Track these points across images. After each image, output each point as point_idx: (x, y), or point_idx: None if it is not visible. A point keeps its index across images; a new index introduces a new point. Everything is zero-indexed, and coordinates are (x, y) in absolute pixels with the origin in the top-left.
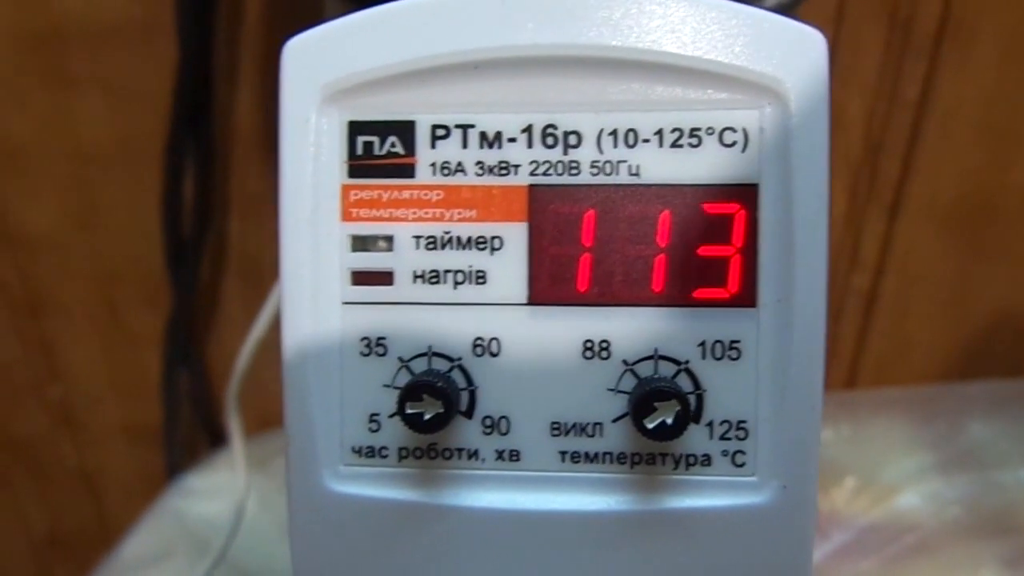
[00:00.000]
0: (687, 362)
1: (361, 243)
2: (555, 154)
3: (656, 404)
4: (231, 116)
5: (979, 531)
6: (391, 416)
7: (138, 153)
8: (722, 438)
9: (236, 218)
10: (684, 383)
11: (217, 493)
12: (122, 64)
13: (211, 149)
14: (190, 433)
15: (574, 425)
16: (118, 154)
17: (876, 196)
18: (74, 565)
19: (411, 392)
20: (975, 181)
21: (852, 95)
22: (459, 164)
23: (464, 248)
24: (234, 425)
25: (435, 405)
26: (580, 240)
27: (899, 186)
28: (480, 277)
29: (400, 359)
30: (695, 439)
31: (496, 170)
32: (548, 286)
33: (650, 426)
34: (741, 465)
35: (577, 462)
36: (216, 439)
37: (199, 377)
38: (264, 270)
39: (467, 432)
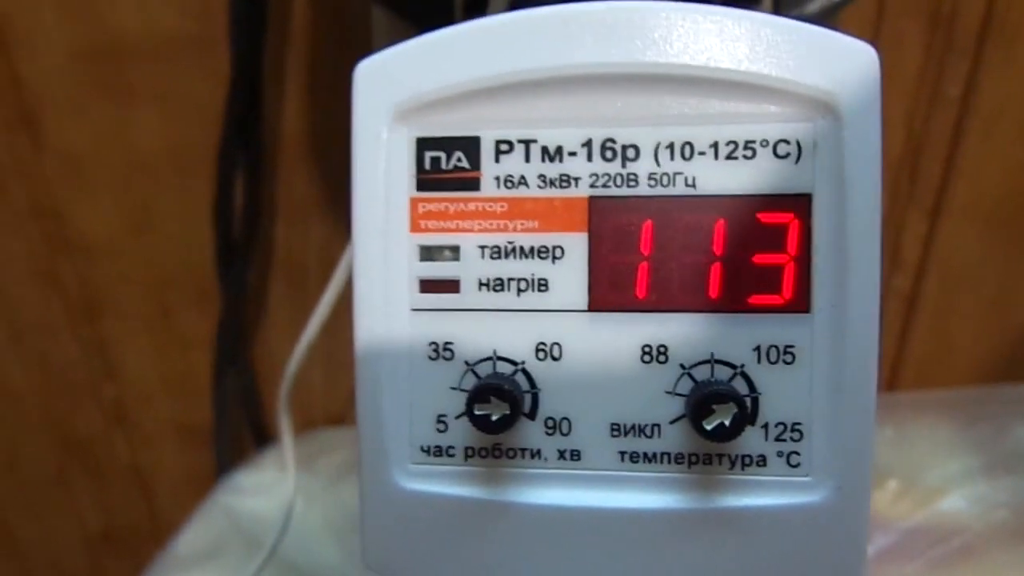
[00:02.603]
0: (742, 366)
1: (429, 253)
2: (614, 167)
3: (714, 406)
4: (279, 126)
5: None
6: (458, 417)
7: (191, 162)
8: (777, 439)
9: (283, 224)
10: (740, 386)
11: (265, 491)
12: (176, 77)
13: (260, 157)
14: (236, 432)
15: (633, 426)
16: (172, 163)
17: (917, 197)
18: (126, 561)
19: (479, 394)
20: (1019, 181)
21: (893, 95)
22: (522, 177)
23: (527, 257)
24: (284, 425)
25: (501, 407)
26: (639, 249)
27: (941, 186)
28: (542, 285)
29: (466, 363)
30: (751, 440)
31: (557, 183)
32: (607, 293)
33: (708, 427)
34: (796, 466)
35: (636, 462)
36: (262, 438)
37: (247, 378)
38: (309, 274)
39: (530, 432)
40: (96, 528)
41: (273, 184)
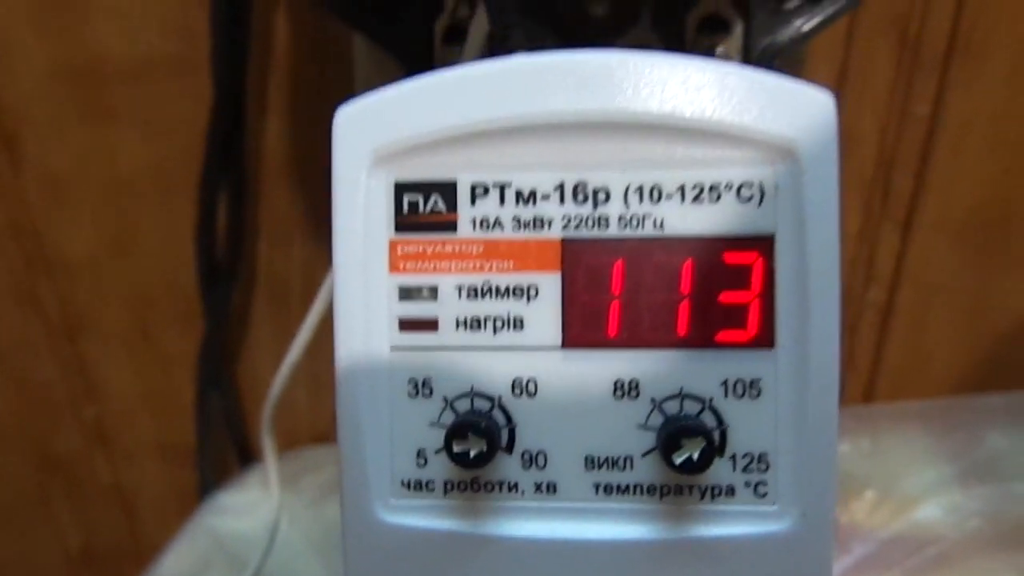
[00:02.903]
0: (711, 400)
1: (407, 293)
2: (585, 209)
3: (683, 441)
4: (262, 147)
5: (1000, 542)
6: (437, 452)
7: (173, 182)
8: (745, 470)
9: (266, 244)
10: (708, 420)
11: (249, 511)
12: (158, 98)
13: (243, 178)
14: (219, 451)
15: (607, 459)
16: (154, 183)
17: (890, 211)
18: None
19: (457, 431)
20: (988, 194)
21: (864, 112)
22: (497, 220)
23: (503, 297)
24: (268, 445)
25: (479, 443)
26: (610, 288)
27: (912, 200)
28: (518, 323)
29: (445, 399)
30: (720, 471)
31: (531, 225)
32: (580, 331)
33: (678, 461)
34: (763, 495)
35: (610, 494)
36: (246, 457)
37: (230, 397)
38: (292, 293)
39: (508, 466)
40: (77, 548)
41: (256, 204)
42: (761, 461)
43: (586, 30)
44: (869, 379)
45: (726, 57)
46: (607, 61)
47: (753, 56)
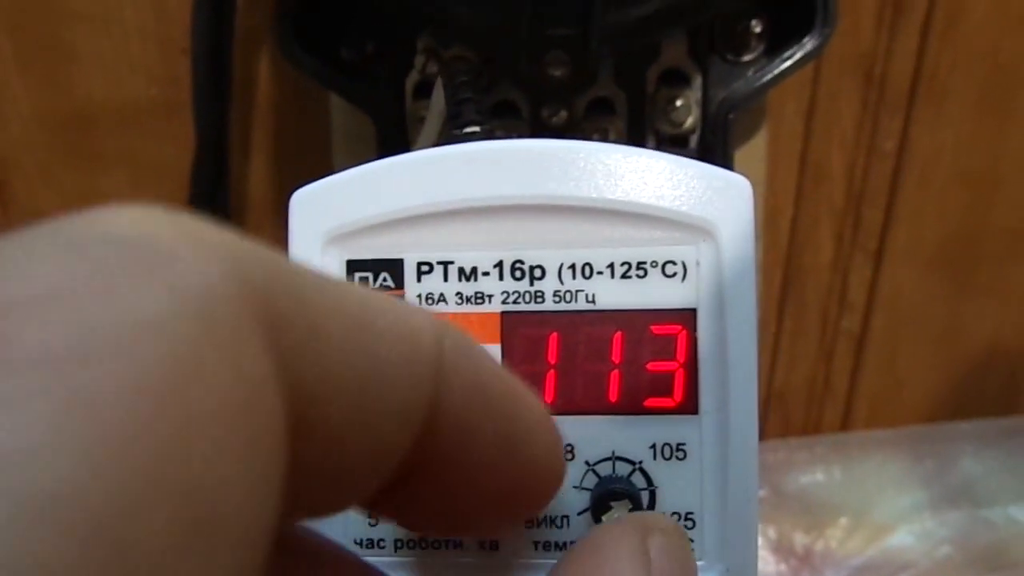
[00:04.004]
0: (641, 462)
1: None
2: (523, 285)
3: (611, 503)
4: (245, 188)
5: (970, 568)
6: None
7: None
8: None
9: None
10: (639, 480)
11: None
12: (143, 142)
13: (227, 218)
14: None
15: (545, 518)
16: None
17: (861, 242)
18: None
19: None
20: (956, 225)
21: (833, 148)
22: (441, 295)
23: None
24: None
25: None
26: (546, 359)
27: (883, 232)
28: None
29: None
30: None
31: (473, 299)
32: None
33: (606, 522)
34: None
35: (549, 550)
36: None
37: None
38: None
39: None
40: None
41: None
42: (688, 519)
43: (547, 89)
44: (846, 406)
45: (687, 109)
46: (542, 149)
47: (711, 108)
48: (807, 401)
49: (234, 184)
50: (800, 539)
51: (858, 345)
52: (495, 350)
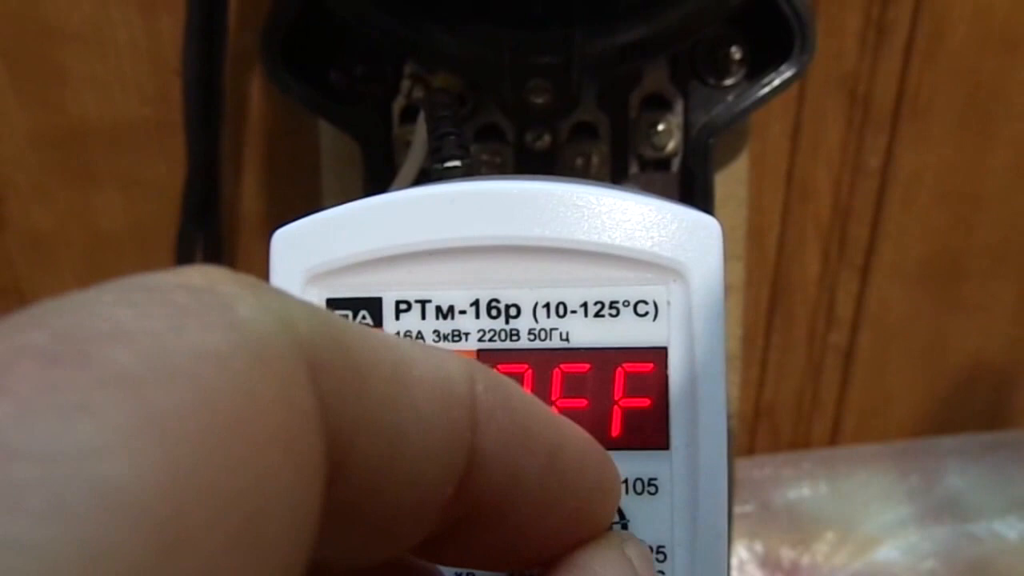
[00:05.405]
0: None
1: None
2: (498, 323)
3: None
4: (237, 206)
5: None
6: None
7: (151, 241)
8: None
9: None
10: None
11: None
12: (136, 160)
13: (219, 236)
14: None
15: None
16: (133, 242)
17: (847, 258)
18: None
19: None
20: (941, 242)
21: (819, 165)
22: (419, 332)
23: None
24: None
25: None
26: None
27: (869, 248)
28: None
29: None
30: None
31: (450, 337)
32: None
33: None
34: None
35: None
36: None
37: None
38: None
39: None
40: None
41: (232, 261)
42: (659, 552)
43: (530, 115)
44: (835, 420)
45: (669, 134)
46: (518, 191)
47: (693, 132)
48: (795, 415)
49: (225, 204)
50: (787, 553)
51: (846, 360)
52: None
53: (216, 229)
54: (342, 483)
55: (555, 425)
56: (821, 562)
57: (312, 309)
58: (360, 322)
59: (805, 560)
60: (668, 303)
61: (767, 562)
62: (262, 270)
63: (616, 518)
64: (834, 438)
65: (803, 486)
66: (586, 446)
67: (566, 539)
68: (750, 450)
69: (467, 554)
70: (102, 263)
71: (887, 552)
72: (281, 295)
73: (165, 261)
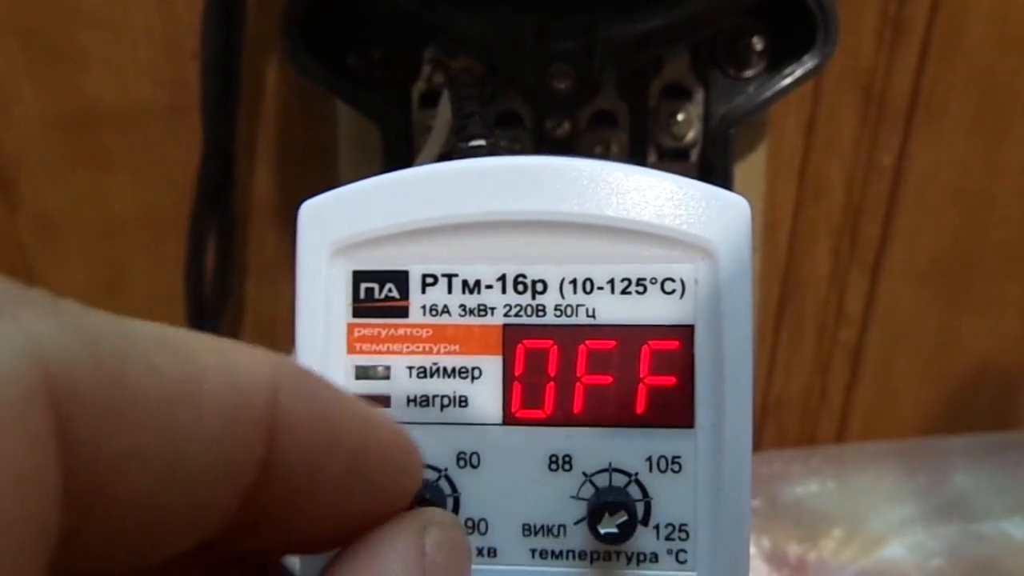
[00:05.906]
0: (636, 474)
1: (364, 372)
2: (525, 299)
3: (607, 514)
4: (250, 190)
5: None
6: None
7: (164, 225)
8: (667, 539)
9: (253, 283)
10: (634, 492)
11: None
12: (150, 144)
13: (232, 220)
14: None
15: (542, 527)
16: (144, 225)
17: (858, 256)
18: None
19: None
20: (953, 241)
21: (832, 162)
22: (445, 307)
23: (449, 377)
24: None
25: None
26: (546, 371)
27: (880, 246)
28: (463, 401)
29: None
30: (644, 539)
31: (476, 312)
32: (519, 409)
33: (602, 532)
34: (684, 562)
35: (545, 559)
36: None
37: None
38: (277, 330)
39: None
40: None
41: (244, 245)
42: (682, 531)
43: (550, 101)
44: (842, 418)
45: (688, 123)
46: (547, 166)
47: (713, 123)
48: (803, 412)
49: (239, 186)
50: (794, 549)
51: (854, 358)
52: (496, 361)
53: (229, 214)
54: (106, 503)
55: (363, 424)
56: (828, 559)
57: (82, 340)
58: (386, 295)
59: (812, 556)
60: (696, 281)
61: (774, 558)
62: (273, 254)
63: (639, 495)
64: (841, 435)
65: (811, 483)
66: (393, 440)
67: (366, 522)
68: (758, 446)
69: (262, 542)
70: (113, 246)
71: (894, 550)
72: (41, 331)
73: (175, 245)
